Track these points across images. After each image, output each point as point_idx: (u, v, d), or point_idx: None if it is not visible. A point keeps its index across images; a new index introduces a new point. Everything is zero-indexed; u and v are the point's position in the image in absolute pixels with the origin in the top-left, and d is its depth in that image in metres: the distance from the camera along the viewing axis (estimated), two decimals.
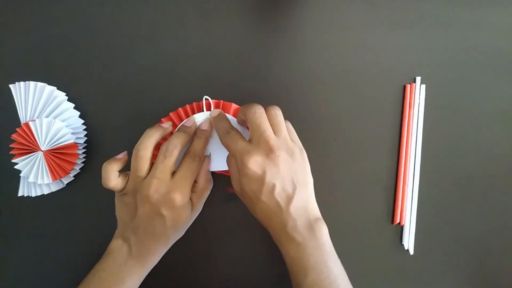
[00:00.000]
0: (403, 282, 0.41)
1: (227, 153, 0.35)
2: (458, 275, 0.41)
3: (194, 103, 0.38)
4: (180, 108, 0.38)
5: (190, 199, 0.35)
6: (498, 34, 0.41)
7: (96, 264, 0.34)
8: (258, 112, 0.32)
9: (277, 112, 0.33)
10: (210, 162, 0.37)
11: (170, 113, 0.37)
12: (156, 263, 0.35)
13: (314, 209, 0.33)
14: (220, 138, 0.34)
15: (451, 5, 0.41)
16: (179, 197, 0.33)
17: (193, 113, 0.37)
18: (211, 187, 0.37)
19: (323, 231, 0.32)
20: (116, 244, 0.34)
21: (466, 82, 0.41)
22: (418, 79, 0.41)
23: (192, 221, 0.36)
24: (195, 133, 0.36)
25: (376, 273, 0.41)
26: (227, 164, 0.35)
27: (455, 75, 0.41)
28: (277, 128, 0.32)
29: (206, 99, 0.37)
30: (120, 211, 0.35)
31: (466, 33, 0.41)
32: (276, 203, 0.31)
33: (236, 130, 0.34)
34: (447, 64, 0.41)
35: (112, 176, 0.33)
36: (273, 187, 0.31)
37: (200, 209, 0.37)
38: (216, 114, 0.36)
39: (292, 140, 0.33)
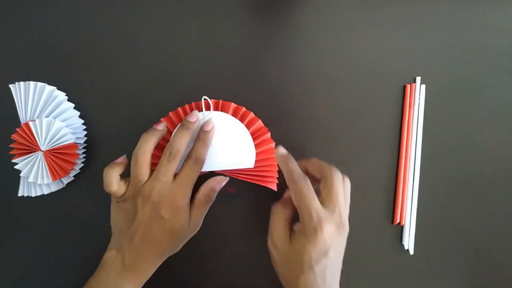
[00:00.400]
0: (403, 282, 0.41)
1: (223, 152, 0.36)
2: (458, 275, 0.41)
3: (193, 103, 0.38)
4: (179, 108, 0.38)
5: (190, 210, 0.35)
6: (498, 34, 0.41)
7: (90, 278, 0.33)
8: (340, 179, 0.32)
9: (349, 187, 0.33)
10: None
11: (170, 113, 0.38)
12: (150, 275, 0.34)
13: None
14: (289, 181, 0.32)
15: (451, 5, 0.41)
16: (180, 199, 0.33)
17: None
18: (211, 202, 0.37)
19: None
20: (110, 255, 0.33)
21: (466, 82, 0.41)
22: (418, 79, 0.41)
23: (188, 237, 0.35)
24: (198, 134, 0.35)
25: (376, 273, 0.41)
26: (280, 205, 0.34)
27: (455, 75, 0.41)
28: (346, 203, 0.32)
29: (204, 99, 0.37)
30: (117, 218, 0.35)
31: (466, 33, 0.41)
32: (325, 279, 0.30)
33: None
34: (447, 64, 0.41)
35: (114, 180, 0.33)
36: (328, 261, 0.30)
37: (198, 226, 0.36)
38: (284, 153, 0.34)
39: None
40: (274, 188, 0.38)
